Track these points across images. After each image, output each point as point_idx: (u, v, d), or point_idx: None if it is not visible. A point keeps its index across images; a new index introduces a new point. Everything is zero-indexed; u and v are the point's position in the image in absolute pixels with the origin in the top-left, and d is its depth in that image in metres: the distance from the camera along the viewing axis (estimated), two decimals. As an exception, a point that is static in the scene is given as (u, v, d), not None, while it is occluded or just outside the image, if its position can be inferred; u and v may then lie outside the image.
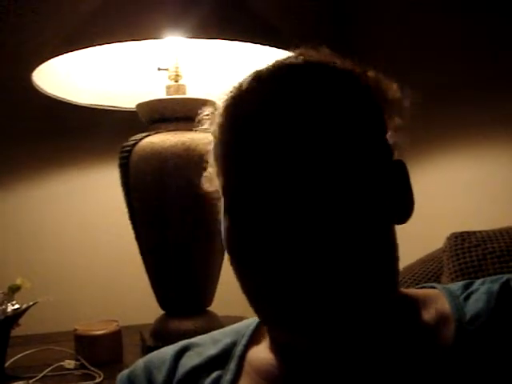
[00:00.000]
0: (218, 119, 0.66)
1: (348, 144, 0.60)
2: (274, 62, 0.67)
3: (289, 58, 0.67)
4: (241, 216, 0.61)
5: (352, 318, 0.59)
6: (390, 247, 0.63)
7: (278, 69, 0.65)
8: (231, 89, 0.66)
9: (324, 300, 0.57)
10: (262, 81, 0.64)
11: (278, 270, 0.58)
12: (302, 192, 0.57)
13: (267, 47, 1.29)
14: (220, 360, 0.71)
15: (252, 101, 0.62)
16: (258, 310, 0.64)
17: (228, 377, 0.68)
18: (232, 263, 0.65)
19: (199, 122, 0.76)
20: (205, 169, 0.74)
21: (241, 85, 0.65)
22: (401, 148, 0.67)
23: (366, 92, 0.64)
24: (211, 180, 0.72)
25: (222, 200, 0.65)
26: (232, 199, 0.63)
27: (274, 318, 0.62)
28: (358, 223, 0.58)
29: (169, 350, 0.75)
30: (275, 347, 0.68)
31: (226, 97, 0.66)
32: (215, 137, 0.66)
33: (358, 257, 0.58)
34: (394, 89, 0.67)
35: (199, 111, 0.76)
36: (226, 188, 0.63)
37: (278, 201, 0.58)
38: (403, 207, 0.66)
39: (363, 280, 0.59)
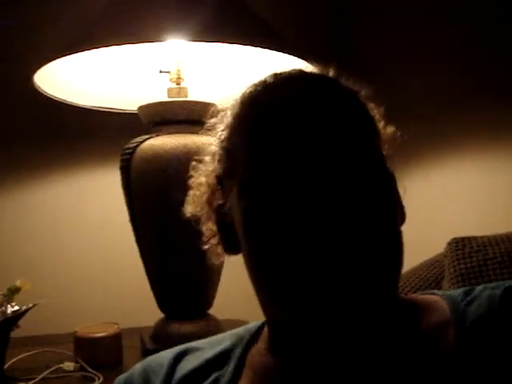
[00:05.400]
0: (237, 109, 0.68)
1: (368, 146, 0.62)
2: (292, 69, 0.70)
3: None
4: (262, 193, 0.61)
5: (359, 313, 0.59)
6: (401, 247, 0.64)
7: (301, 73, 0.68)
8: (253, 84, 0.69)
9: (335, 289, 0.57)
10: (289, 78, 0.67)
11: (295, 253, 0.58)
12: (327, 180, 0.58)
13: (269, 51, 1.29)
14: (218, 362, 0.71)
15: (281, 91, 0.65)
16: (266, 291, 0.63)
17: (226, 378, 0.68)
18: (247, 245, 0.64)
19: (206, 125, 0.78)
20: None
21: (271, 77, 0.68)
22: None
23: (365, 108, 0.68)
24: (198, 200, 0.75)
25: (239, 183, 0.65)
26: (255, 175, 0.62)
27: (283, 302, 0.61)
28: (379, 217, 0.60)
29: (167, 354, 0.75)
30: (274, 347, 0.68)
31: (246, 91, 0.68)
32: (233, 124, 0.68)
33: (374, 250, 0.59)
34: (379, 113, 0.72)
35: (206, 116, 0.78)
36: (249, 166, 0.63)
37: (302, 186, 0.58)
38: (401, 212, 0.68)
39: (376, 276, 0.59)
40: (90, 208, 1.77)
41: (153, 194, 1.32)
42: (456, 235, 1.11)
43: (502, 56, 1.39)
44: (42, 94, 1.41)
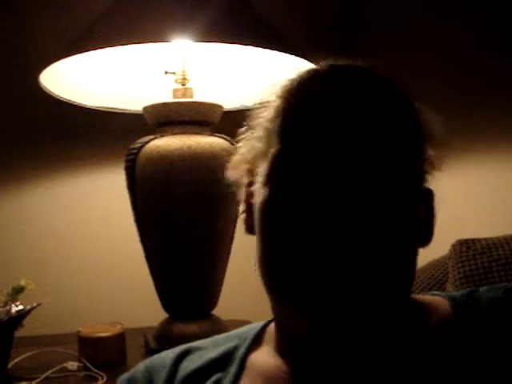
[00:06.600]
0: (285, 94, 0.66)
1: (405, 160, 0.62)
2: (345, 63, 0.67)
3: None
4: (286, 187, 0.61)
5: (370, 317, 0.60)
6: (414, 262, 0.64)
7: (352, 68, 0.66)
8: (307, 71, 0.67)
9: (349, 293, 0.58)
10: (339, 72, 0.65)
11: (312, 252, 0.58)
12: (352, 187, 0.58)
13: (274, 52, 1.29)
14: (221, 363, 0.71)
15: (330, 87, 0.63)
16: (278, 291, 0.63)
17: (228, 379, 0.68)
18: (262, 237, 0.64)
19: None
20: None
21: (315, 70, 0.66)
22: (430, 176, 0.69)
23: (415, 113, 0.66)
24: (238, 166, 0.73)
25: (265, 170, 0.64)
26: (282, 167, 0.62)
27: (296, 300, 0.61)
28: (396, 232, 0.60)
29: (170, 354, 0.75)
30: (281, 347, 0.68)
31: (300, 76, 0.67)
32: (278, 107, 0.66)
33: (388, 261, 0.59)
34: (430, 117, 0.68)
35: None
36: (279, 155, 0.62)
37: (328, 185, 0.58)
38: (427, 232, 0.68)
39: (389, 284, 0.60)
40: (94, 208, 1.78)
41: (157, 195, 1.33)
42: (460, 237, 1.11)
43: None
44: (48, 94, 1.41)
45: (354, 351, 0.62)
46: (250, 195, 0.69)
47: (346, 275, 0.57)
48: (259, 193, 0.65)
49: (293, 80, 0.67)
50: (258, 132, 0.69)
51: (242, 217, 0.74)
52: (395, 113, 0.63)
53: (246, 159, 0.72)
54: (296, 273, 0.59)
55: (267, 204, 0.63)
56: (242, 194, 0.74)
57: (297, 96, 0.64)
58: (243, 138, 0.75)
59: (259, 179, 0.66)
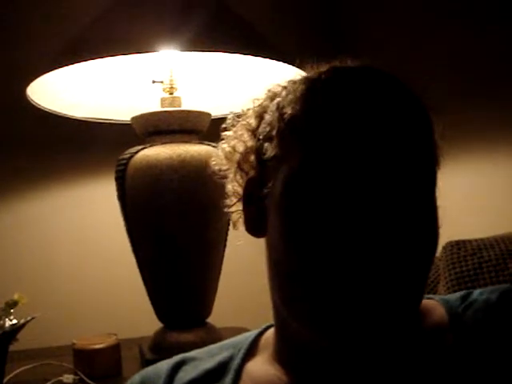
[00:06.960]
0: (311, 94, 0.62)
1: (433, 174, 0.62)
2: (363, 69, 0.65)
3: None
4: (320, 197, 0.58)
5: (390, 333, 0.59)
6: (428, 274, 0.64)
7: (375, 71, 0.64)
8: (333, 72, 0.64)
9: (371, 309, 0.57)
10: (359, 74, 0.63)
11: (337, 266, 0.57)
12: (380, 197, 0.57)
13: (261, 59, 1.30)
14: (216, 373, 0.71)
15: (362, 103, 0.60)
16: (297, 301, 0.61)
17: None
18: (286, 247, 0.61)
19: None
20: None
21: (338, 72, 0.64)
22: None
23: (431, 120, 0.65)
24: (227, 156, 0.72)
25: (286, 177, 0.61)
26: (311, 178, 0.59)
27: (317, 312, 0.59)
28: (422, 241, 0.60)
29: (165, 364, 0.75)
30: (283, 355, 0.68)
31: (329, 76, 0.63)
32: (301, 110, 0.62)
33: (413, 273, 0.59)
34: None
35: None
36: (307, 164, 0.59)
37: (354, 196, 0.57)
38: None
39: (413, 300, 0.60)
40: (86, 220, 1.77)
41: (148, 205, 1.32)
42: (451, 238, 1.11)
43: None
44: (36, 106, 1.41)
45: (360, 360, 0.62)
46: (256, 199, 0.66)
47: (375, 294, 0.56)
48: (281, 200, 0.62)
49: (312, 81, 0.64)
50: (265, 128, 0.67)
51: (231, 210, 0.73)
52: (420, 124, 0.62)
53: (239, 150, 0.71)
54: (322, 287, 0.58)
55: (298, 216, 0.59)
56: (229, 184, 0.73)
57: (321, 102, 0.61)
58: (231, 127, 0.74)
59: (279, 185, 0.62)
